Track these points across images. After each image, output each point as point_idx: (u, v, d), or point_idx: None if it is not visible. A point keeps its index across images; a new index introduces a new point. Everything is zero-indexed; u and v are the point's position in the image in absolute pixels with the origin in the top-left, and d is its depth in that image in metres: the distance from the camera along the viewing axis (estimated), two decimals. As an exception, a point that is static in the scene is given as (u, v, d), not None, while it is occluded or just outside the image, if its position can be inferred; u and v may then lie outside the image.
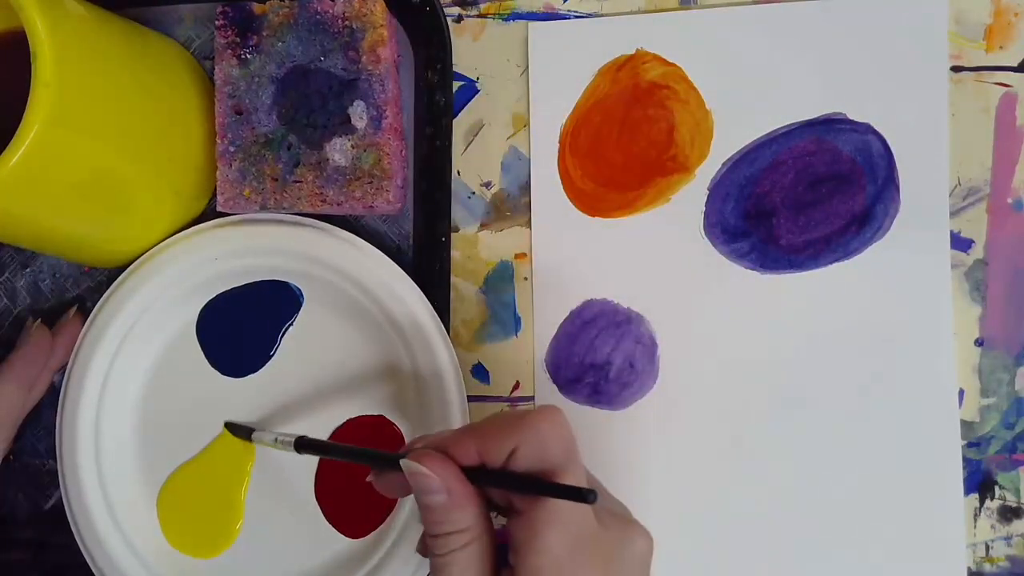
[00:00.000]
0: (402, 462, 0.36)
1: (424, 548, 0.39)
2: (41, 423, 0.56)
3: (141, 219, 0.51)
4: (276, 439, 0.47)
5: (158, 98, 0.49)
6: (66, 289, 0.56)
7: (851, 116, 0.49)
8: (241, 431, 0.52)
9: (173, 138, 0.50)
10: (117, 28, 0.47)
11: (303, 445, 0.46)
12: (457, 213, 0.53)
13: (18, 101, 0.39)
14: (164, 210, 0.51)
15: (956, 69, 0.49)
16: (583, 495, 0.33)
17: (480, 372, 0.53)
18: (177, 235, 0.52)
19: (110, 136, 0.45)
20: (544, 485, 0.35)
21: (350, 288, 0.50)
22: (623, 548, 0.36)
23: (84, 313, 0.54)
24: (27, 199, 0.42)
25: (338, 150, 0.50)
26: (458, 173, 0.53)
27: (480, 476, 0.37)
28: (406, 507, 0.50)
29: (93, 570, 0.52)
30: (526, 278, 0.52)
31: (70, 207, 0.46)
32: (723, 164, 0.51)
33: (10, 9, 0.39)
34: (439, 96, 0.51)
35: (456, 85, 0.53)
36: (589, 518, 0.35)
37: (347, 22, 0.49)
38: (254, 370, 0.53)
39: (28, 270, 0.56)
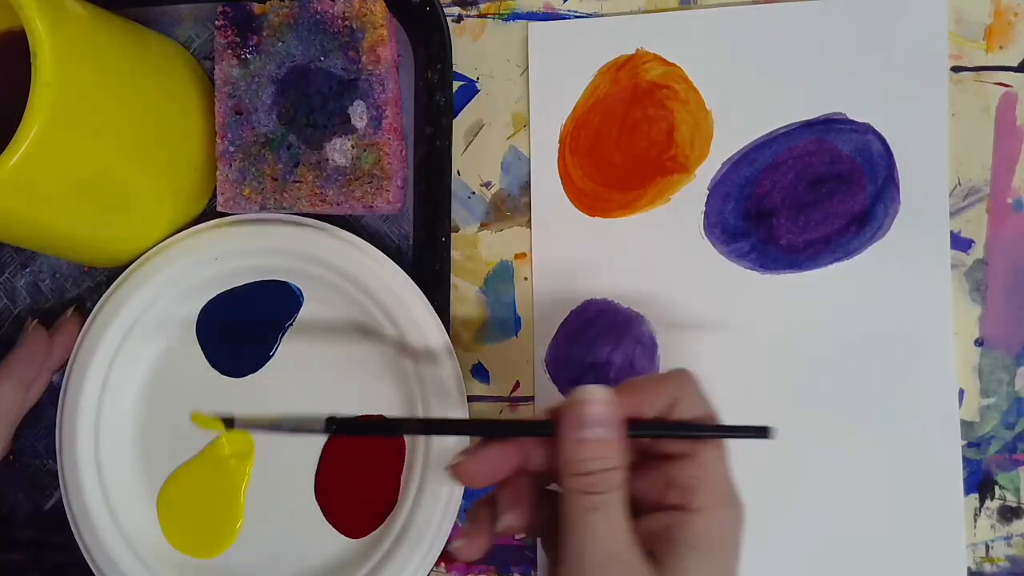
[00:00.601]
0: (576, 389, 0.37)
1: (478, 516, 0.39)
2: (41, 423, 0.56)
3: (141, 219, 0.51)
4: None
5: (158, 98, 0.49)
6: (66, 289, 0.56)
7: (851, 116, 0.49)
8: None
9: (173, 138, 0.50)
10: (117, 28, 0.47)
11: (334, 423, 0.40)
12: (457, 213, 0.53)
13: (18, 101, 0.39)
14: (164, 210, 0.51)
15: (956, 69, 0.49)
16: (765, 431, 0.37)
17: (480, 372, 0.53)
18: (177, 235, 0.52)
19: (110, 136, 0.45)
20: (725, 427, 0.38)
21: (350, 288, 0.50)
22: (740, 500, 0.38)
23: (83, 313, 0.54)
24: (27, 199, 0.42)
25: (338, 150, 0.50)
26: (458, 173, 0.53)
27: (648, 428, 0.38)
28: (406, 507, 0.50)
29: (93, 570, 0.52)
30: (526, 278, 0.52)
31: (70, 207, 0.46)
32: (723, 164, 0.51)
33: (10, 9, 0.39)
34: (439, 96, 0.51)
35: (456, 85, 0.53)
36: (729, 467, 0.38)
37: (347, 22, 0.49)
38: (254, 370, 0.53)
39: (28, 270, 0.56)
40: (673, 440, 0.38)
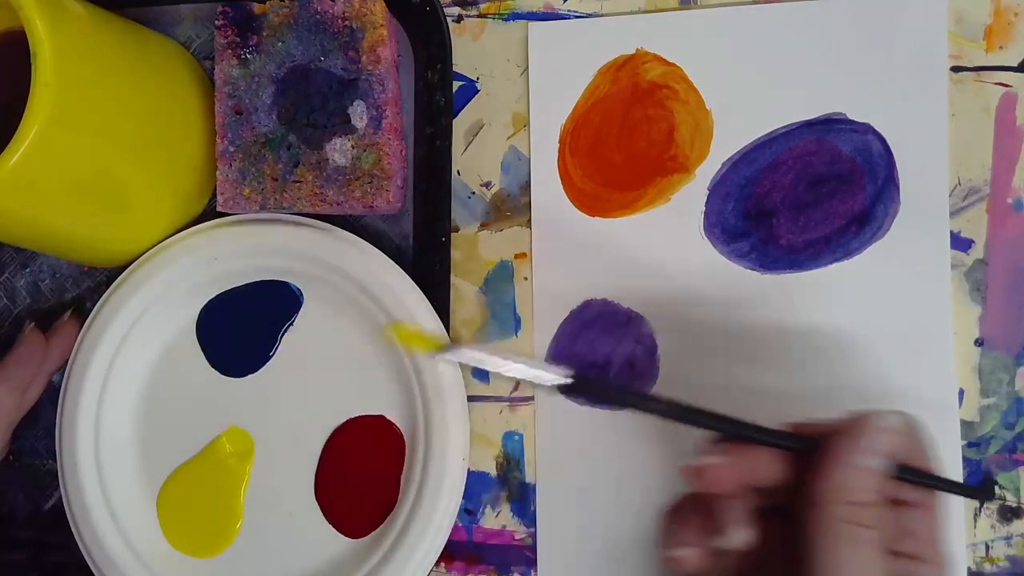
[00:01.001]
0: (870, 413, 0.36)
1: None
2: (41, 423, 0.56)
3: (140, 219, 0.51)
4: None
5: (157, 98, 0.49)
6: (66, 289, 0.56)
7: (851, 116, 0.49)
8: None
9: (172, 138, 0.50)
10: (116, 28, 0.47)
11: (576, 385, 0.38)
12: (457, 213, 0.53)
13: (18, 101, 0.39)
14: (163, 210, 0.51)
15: (956, 69, 0.49)
16: (991, 493, 0.40)
17: (480, 372, 0.53)
18: (177, 235, 0.52)
19: (110, 136, 0.45)
20: (954, 484, 0.39)
21: (350, 288, 0.50)
22: None
23: (81, 315, 0.54)
24: (27, 199, 0.42)
25: (338, 150, 0.50)
26: (458, 173, 0.53)
27: (911, 473, 0.37)
28: (406, 507, 0.50)
29: (93, 570, 0.52)
30: (526, 278, 0.52)
31: (70, 207, 0.46)
32: (723, 164, 0.51)
33: (10, 9, 0.39)
34: (439, 96, 0.51)
35: (456, 85, 0.53)
36: None
37: (347, 22, 0.49)
38: (254, 370, 0.53)
39: (28, 270, 0.56)
40: (912, 487, 0.37)
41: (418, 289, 0.50)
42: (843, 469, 0.35)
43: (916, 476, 0.37)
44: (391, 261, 0.50)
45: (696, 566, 0.38)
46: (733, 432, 0.38)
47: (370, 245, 0.50)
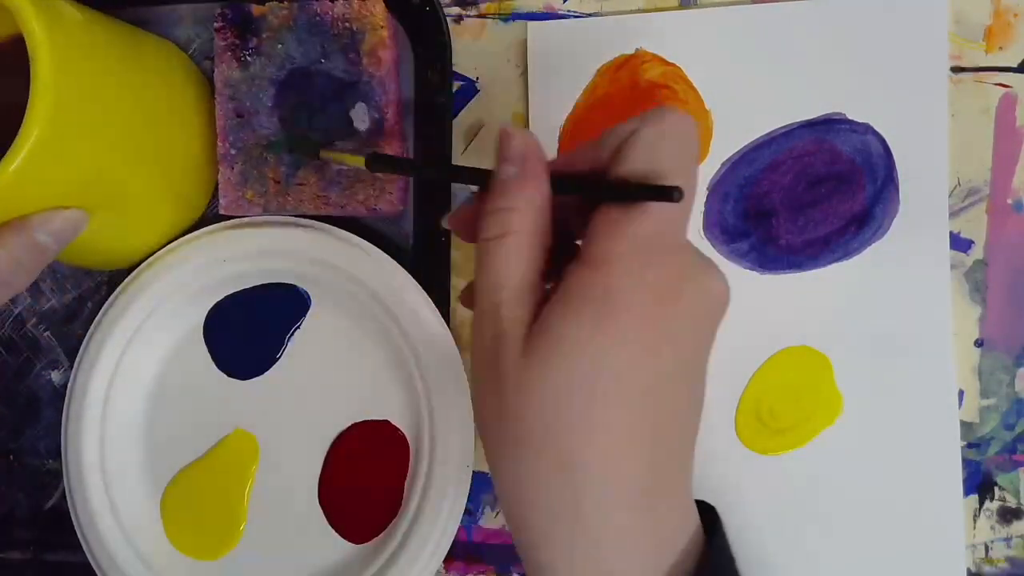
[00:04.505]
0: (500, 127, 0.35)
1: (468, 296, 0.38)
2: (41, 423, 0.56)
3: (140, 222, 0.51)
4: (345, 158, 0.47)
5: (156, 100, 0.48)
6: (67, 289, 0.56)
7: (851, 116, 0.49)
8: (311, 147, 0.49)
9: (172, 140, 0.50)
10: (114, 32, 0.47)
11: (377, 160, 0.42)
12: (457, 213, 0.53)
13: (17, 108, 0.39)
14: (163, 212, 0.51)
15: (956, 69, 0.49)
16: (668, 192, 0.31)
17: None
18: (186, 237, 0.52)
19: (109, 139, 0.45)
20: (626, 186, 0.33)
21: (358, 291, 0.50)
22: (698, 278, 0.34)
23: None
24: (28, 203, 0.42)
25: (339, 152, 0.49)
26: (458, 173, 0.53)
27: (568, 184, 0.35)
28: (409, 513, 0.50)
29: (95, 570, 0.52)
30: (526, 278, 0.52)
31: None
32: (722, 164, 0.51)
33: (8, 15, 0.39)
34: (439, 96, 0.51)
35: (456, 85, 0.52)
36: (676, 227, 0.34)
37: (347, 24, 0.49)
38: (260, 372, 0.53)
39: (28, 270, 0.56)
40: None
41: (424, 292, 0.50)
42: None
43: (562, 184, 0.35)
44: (399, 265, 0.50)
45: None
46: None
47: (379, 250, 0.50)
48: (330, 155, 0.48)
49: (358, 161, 0.43)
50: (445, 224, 0.39)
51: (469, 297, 0.39)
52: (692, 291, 0.33)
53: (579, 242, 0.35)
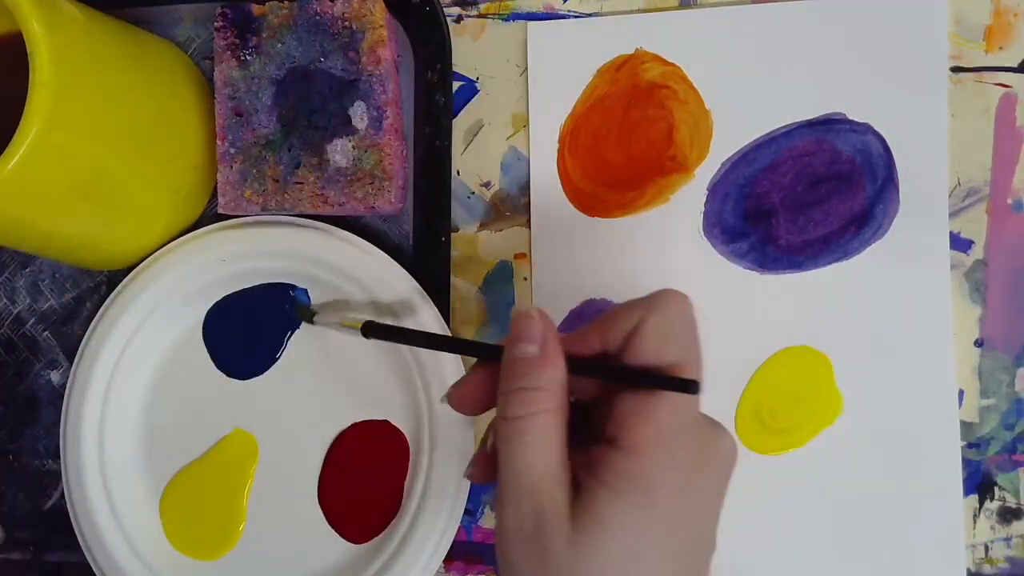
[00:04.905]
0: (514, 308, 0.36)
1: (478, 471, 0.39)
2: (40, 423, 0.56)
3: (139, 221, 0.51)
4: (342, 322, 0.48)
5: (155, 99, 0.49)
6: (66, 289, 0.56)
7: (851, 116, 0.49)
8: (305, 313, 0.52)
9: (170, 139, 0.50)
10: (113, 30, 0.47)
11: (372, 329, 0.45)
12: (457, 213, 0.53)
13: (16, 105, 0.39)
14: (162, 211, 0.51)
15: (956, 69, 0.49)
16: (687, 386, 0.34)
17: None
18: (185, 236, 0.52)
19: (107, 137, 0.45)
20: (648, 376, 0.35)
21: (358, 293, 0.50)
22: (714, 444, 0.37)
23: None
24: (25, 201, 0.42)
25: (339, 151, 0.50)
26: (458, 173, 0.53)
27: (587, 367, 0.37)
28: (409, 513, 0.50)
29: (94, 570, 0.52)
30: (526, 278, 0.52)
31: (68, 209, 0.46)
32: (722, 164, 0.51)
33: (7, 13, 0.39)
34: (439, 96, 0.51)
35: (456, 85, 0.53)
36: (693, 408, 0.36)
37: (347, 23, 0.49)
38: (259, 372, 0.53)
39: (28, 270, 0.56)
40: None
41: (423, 292, 0.50)
42: (506, 368, 0.36)
43: (583, 368, 0.36)
44: (397, 264, 0.50)
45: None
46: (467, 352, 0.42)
47: (379, 249, 0.50)
48: (327, 324, 0.50)
49: (355, 326, 0.46)
50: (444, 401, 0.41)
51: (481, 472, 0.40)
52: (712, 456, 0.37)
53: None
